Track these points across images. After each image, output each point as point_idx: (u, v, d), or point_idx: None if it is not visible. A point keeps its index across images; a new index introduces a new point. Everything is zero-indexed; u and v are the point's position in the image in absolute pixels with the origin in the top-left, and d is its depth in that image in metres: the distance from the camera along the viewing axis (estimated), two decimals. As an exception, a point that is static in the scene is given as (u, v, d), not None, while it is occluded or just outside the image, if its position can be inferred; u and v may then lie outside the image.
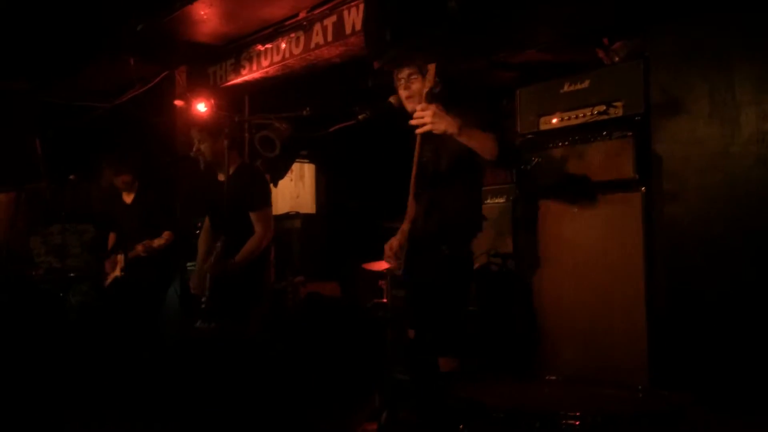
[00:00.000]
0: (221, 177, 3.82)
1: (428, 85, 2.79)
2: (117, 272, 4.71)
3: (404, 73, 2.96)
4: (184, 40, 5.57)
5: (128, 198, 4.89)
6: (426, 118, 2.66)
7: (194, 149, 3.91)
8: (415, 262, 2.93)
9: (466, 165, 2.91)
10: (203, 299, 3.69)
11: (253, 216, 3.80)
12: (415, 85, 2.94)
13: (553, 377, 2.24)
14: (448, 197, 2.93)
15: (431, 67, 2.80)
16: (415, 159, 2.88)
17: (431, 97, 2.77)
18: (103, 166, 4.97)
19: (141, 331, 4.44)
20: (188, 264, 4.96)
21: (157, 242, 4.58)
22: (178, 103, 5.79)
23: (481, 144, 2.73)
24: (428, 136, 2.84)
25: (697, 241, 2.82)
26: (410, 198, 2.96)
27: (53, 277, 5.56)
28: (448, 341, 2.83)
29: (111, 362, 4.21)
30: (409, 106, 2.97)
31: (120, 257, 4.71)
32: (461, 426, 1.80)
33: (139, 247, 4.62)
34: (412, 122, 2.73)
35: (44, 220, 6.32)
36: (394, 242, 3.05)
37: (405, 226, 3.04)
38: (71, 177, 5.05)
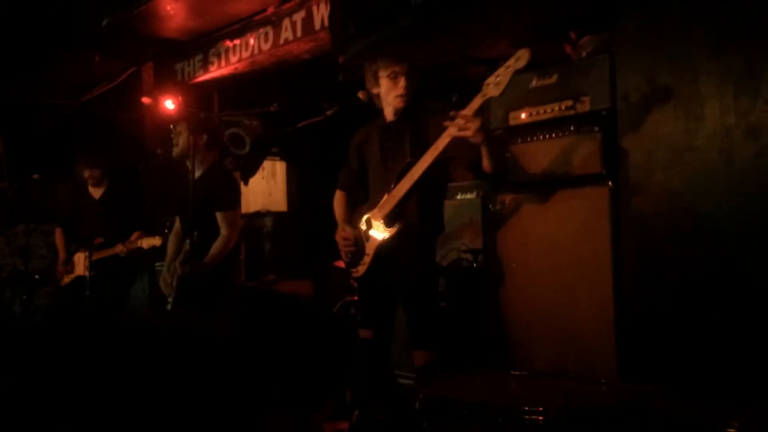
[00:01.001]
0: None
1: (498, 90, 2.61)
2: (82, 272, 4.56)
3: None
4: (150, 36, 5.49)
5: (96, 193, 4.74)
6: (471, 125, 2.58)
7: (173, 142, 3.84)
8: (405, 260, 2.89)
9: (446, 168, 2.98)
10: (169, 299, 3.65)
11: (219, 216, 3.73)
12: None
13: (519, 372, 2.23)
14: (434, 199, 2.99)
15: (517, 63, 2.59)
16: (430, 160, 2.74)
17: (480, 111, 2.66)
18: (75, 161, 4.85)
19: (108, 330, 4.33)
20: (157, 264, 4.88)
21: (147, 242, 4.33)
22: (145, 100, 5.70)
23: (493, 158, 2.73)
24: (420, 138, 2.84)
25: (664, 235, 2.83)
26: (397, 192, 2.85)
27: (17, 280, 5.43)
28: (429, 334, 2.86)
29: (84, 366, 4.12)
30: (399, 102, 2.90)
31: (86, 254, 4.56)
32: (424, 423, 1.77)
33: (120, 247, 4.41)
34: (452, 128, 2.61)
35: (8, 221, 6.18)
36: (348, 232, 3.05)
37: (360, 222, 3.02)
38: (35, 176, 4.93)
